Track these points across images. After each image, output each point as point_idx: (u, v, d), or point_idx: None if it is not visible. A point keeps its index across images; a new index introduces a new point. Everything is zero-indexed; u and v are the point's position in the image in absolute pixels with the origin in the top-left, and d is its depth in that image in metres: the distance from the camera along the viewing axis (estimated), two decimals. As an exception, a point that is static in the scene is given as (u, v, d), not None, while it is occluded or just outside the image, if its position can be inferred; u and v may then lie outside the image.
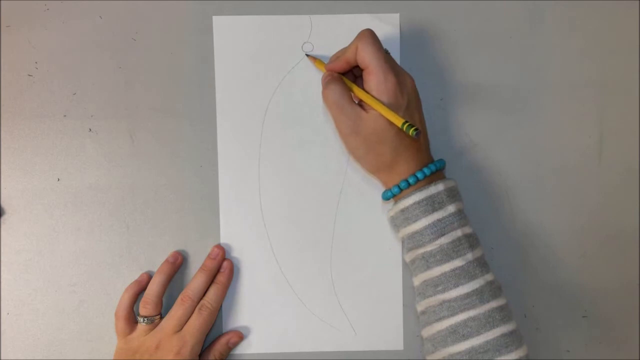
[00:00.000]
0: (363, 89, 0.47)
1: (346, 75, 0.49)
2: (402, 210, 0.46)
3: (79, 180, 0.52)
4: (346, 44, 0.52)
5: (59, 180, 0.52)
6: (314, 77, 0.52)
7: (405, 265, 0.53)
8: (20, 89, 0.52)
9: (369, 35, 0.46)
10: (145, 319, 0.49)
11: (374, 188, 0.52)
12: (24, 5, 0.52)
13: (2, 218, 0.52)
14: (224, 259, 0.52)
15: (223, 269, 0.51)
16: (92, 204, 0.52)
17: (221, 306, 0.52)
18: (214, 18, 0.52)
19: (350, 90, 0.48)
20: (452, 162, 0.53)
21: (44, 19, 0.52)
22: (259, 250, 0.53)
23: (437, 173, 0.47)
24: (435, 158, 0.49)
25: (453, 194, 0.46)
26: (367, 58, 0.45)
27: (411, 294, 0.53)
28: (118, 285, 0.52)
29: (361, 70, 0.47)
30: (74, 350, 0.52)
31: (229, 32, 0.52)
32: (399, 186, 0.46)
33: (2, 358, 0.52)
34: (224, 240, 0.53)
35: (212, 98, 0.52)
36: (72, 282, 0.52)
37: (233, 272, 0.52)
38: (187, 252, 0.53)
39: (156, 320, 0.50)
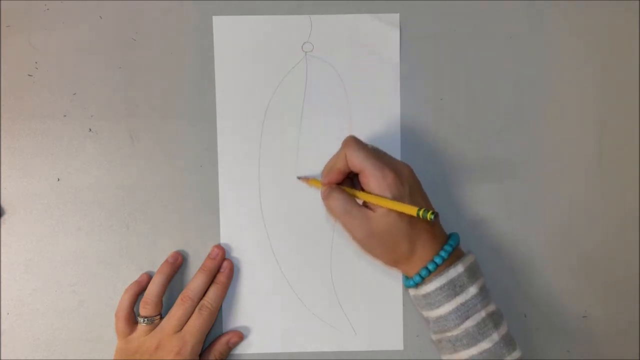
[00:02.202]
0: (362, 190, 0.47)
1: (343, 182, 0.49)
2: (424, 296, 0.46)
3: (79, 180, 0.52)
4: (346, 44, 0.52)
5: (59, 180, 0.52)
6: (314, 77, 0.53)
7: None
8: (20, 89, 0.52)
9: (353, 141, 0.47)
10: (145, 319, 0.49)
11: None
12: (24, 5, 0.52)
13: (2, 218, 0.52)
14: (224, 259, 0.52)
15: (223, 269, 0.51)
16: (92, 204, 0.52)
17: (221, 306, 0.52)
18: (214, 18, 0.52)
19: (353, 196, 0.47)
20: (451, 163, 0.53)
21: (44, 19, 0.52)
22: (259, 250, 0.53)
23: (455, 251, 0.47)
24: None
25: (473, 272, 0.46)
26: (358, 163, 0.46)
27: (411, 294, 0.53)
28: (118, 285, 0.52)
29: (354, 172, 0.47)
30: (74, 350, 0.52)
31: (229, 32, 0.52)
32: (420, 275, 0.46)
33: (2, 358, 0.52)
34: (224, 240, 0.53)
35: (212, 98, 0.52)
36: (72, 282, 0.52)
37: (233, 272, 0.52)
38: (187, 252, 0.53)
39: (156, 321, 0.50)
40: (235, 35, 0.52)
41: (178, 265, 0.52)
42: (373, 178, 0.45)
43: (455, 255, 0.47)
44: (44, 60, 0.52)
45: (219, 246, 0.52)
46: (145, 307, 0.50)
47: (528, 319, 0.53)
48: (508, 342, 0.46)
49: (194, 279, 0.50)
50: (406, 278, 0.48)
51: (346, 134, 0.52)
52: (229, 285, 0.52)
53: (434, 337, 0.48)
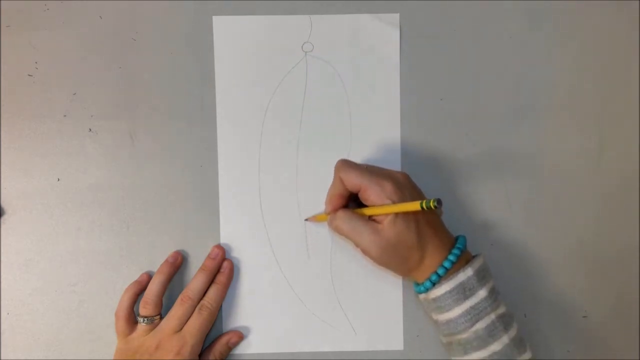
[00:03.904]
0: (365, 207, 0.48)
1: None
2: (434, 299, 0.46)
3: (79, 180, 0.52)
4: (346, 44, 0.52)
5: (59, 180, 0.52)
6: (314, 77, 0.53)
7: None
8: (20, 89, 0.52)
9: (345, 162, 0.48)
10: (145, 319, 0.49)
11: (374, 188, 0.52)
12: (24, 5, 0.52)
13: (2, 218, 0.52)
14: (224, 259, 0.52)
15: (223, 269, 0.51)
16: (92, 204, 0.52)
17: (221, 306, 0.52)
18: (214, 18, 0.52)
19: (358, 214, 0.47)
20: (451, 162, 0.53)
21: (44, 19, 0.52)
22: (259, 250, 0.53)
23: (463, 254, 0.47)
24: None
25: (483, 275, 0.46)
26: (354, 180, 0.46)
27: (411, 294, 0.53)
28: (118, 285, 0.52)
29: (355, 195, 0.48)
30: (74, 350, 0.52)
31: (229, 32, 0.52)
32: (430, 280, 0.46)
33: (2, 358, 0.52)
34: (224, 240, 0.53)
35: (212, 98, 0.52)
36: (72, 282, 0.52)
37: (233, 272, 0.52)
38: (187, 252, 0.53)
39: (156, 321, 0.50)
40: (235, 35, 0.52)
41: (178, 265, 0.52)
42: (372, 191, 0.46)
43: (464, 258, 0.47)
44: (44, 60, 0.52)
45: (219, 246, 0.52)
46: (145, 307, 0.50)
47: (528, 319, 0.53)
48: (518, 343, 0.46)
49: (194, 279, 0.50)
50: (416, 284, 0.48)
51: (346, 133, 0.53)
52: (229, 285, 0.52)
53: (444, 339, 0.48)
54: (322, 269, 0.53)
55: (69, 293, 0.52)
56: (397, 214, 0.45)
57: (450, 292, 0.45)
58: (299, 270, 0.53)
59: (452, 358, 0.48)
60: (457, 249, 0.47)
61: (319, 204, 0.52)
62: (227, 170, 0.53)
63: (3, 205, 0.52)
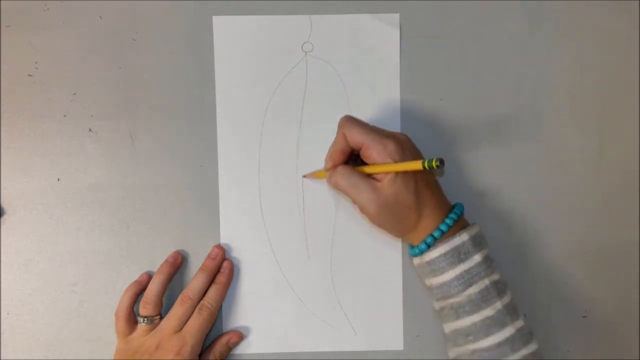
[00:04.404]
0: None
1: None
2: (428, 262, 0.46)
3: (79, 180, 0.52)
4: (346, 44, 0.52)
5: (59, 180, 0.52)
6: (314, 77, 0.53)
7: (405, 264, 0.53)
8: (20, 89, 0.52)
9: (349, 118, 0.48)
10: (145, 319, 0.49)
11: (374, 188, 0.52)
12: (24, 5, 0.52)
13: (2, 218, 0.52)
14: (224, 259, 0.52)
15: (223, 269, 0.51)
16: (92, 204, 0.52)
17: (221, 306, 0.52)
18: (214, 18, 0.52)
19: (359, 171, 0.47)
20: (451, 161, 0.53)
21: (44, 19, 0.52)
22: (259, 250, 0.53)
23: (460, 220, 0.47)
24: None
25: (478, 242, 0.46)
26: (357, 137, 0.46)
27: (411, 294, 0.53)
28: (118, 285, 0.52)
29: (356, 154, 0.48)
30: (74, 350, 0.52)
31: (229, 32, 0.52)
32: (425, 242, 0.46)
33: (2, 358, 0.52)
34: (224, 240, 0.53)
35: (212, 98, 0.52)
36: (72, 282, 0.52)
37: (233, 272, 0.52)
38: (187, 252, 0.53)
39: (156, 321, 0.50)
40: (235, 35, 0.52)
41: (178, 265, 0.52)
42: (374, 150, 0.46)
43: (460, 225, 0.47)
44: (44, 60, 0.52)
45: (219, 246, 0.52)
46: (145, 307, 0.50)
47: (528, 319, 0.53)
48: (511, 310, 0.46)
49: (194, 279, 0.50)
50: (411, 247, 0.48)
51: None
52: (229, 285, 0.52)
53: (437, 305, 0.48)
54: (322, 269, 0.53)
55: (69, 293, 0.52)
56: (397, 174, 0.45)
57: (445, 254, 0.45)
58: (299, 270, 0.53)
59: (445, 324, 0.47)
60: (454, 213, 0.47)
61: (320, 203, 0.52)
62: (227, 170, 0.53)
63: (3, 205, 0.52)
